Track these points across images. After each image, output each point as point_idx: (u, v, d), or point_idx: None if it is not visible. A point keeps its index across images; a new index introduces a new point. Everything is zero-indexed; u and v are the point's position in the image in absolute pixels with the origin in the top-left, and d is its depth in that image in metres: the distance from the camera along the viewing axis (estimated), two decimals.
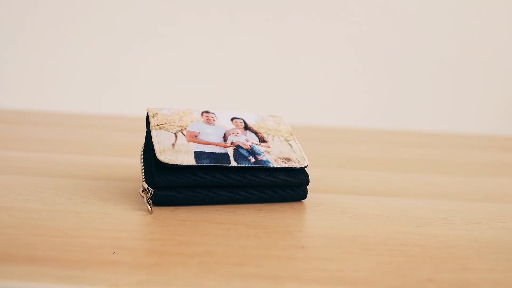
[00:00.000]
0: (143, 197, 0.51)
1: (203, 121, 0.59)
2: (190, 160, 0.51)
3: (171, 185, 0.51)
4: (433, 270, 0.41)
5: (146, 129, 0.59)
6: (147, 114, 0.58)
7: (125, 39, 1.23)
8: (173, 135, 0.55)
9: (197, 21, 1.23)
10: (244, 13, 1.23)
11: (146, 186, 0.52)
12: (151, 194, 0.51)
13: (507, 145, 1.08)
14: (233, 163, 0.52)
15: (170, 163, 0.50)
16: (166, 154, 0.51)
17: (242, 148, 0.55)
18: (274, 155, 0.56)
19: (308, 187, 0.58)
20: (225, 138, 0.56)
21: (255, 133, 0.59)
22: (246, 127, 0.60)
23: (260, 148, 0.56)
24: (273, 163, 0.54)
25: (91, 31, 1.23)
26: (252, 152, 0.55)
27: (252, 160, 0.54)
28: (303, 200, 0.57)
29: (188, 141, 0.54)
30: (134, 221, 0.47)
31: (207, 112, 0.61)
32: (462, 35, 1.24)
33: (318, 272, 0.39)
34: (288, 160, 0.55)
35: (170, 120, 0.57)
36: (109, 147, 0.83)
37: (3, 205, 0.49)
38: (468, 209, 0.58)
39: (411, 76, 1.26)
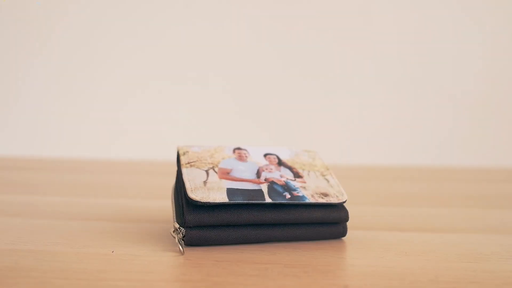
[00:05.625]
0: (174, 237, 0.49)
1: (235, 158, 0.57)
2: (223, 198, 0.49)
3: (203, 224, 0.48)
4: None
5: (176, 168, 0.57)
6: (178, 152, 0.57)
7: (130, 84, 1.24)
8: (205, 172, 0.53)
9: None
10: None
11: (177, 226, 0.49)
12: (182, 234, 0.49)
13: None
14: (268, 199, 0.50)
15: (202, 201, 0.48)
16: (197, 192, 0.49)
17: (277, 184, 0.53)
18: (311, 190, 0.53)
19: (347, 223, 0.55)
20: (258, 174, 0.54)
21: (290, 168, 0.57)
22: (280, 163, 0.57)
23: (295, 183, 0.53)
24: (310, 199, 0.51)
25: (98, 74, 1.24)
26: (287, 187, 0.52)
27: (288, 196, 0.51)
28: (343, 238, 0.54)
29: (220, 178, 0.52)
30: (165, 262, 0.45)
31: (239, 148, 0.59)
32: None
33: None
34: (326, 195, 0.52)
35: (201, 157, 0.56)
36: (136, 190, 0.81)
37: (31, 248, 0.48)
38: None
39: (451, 112, 1.23)
